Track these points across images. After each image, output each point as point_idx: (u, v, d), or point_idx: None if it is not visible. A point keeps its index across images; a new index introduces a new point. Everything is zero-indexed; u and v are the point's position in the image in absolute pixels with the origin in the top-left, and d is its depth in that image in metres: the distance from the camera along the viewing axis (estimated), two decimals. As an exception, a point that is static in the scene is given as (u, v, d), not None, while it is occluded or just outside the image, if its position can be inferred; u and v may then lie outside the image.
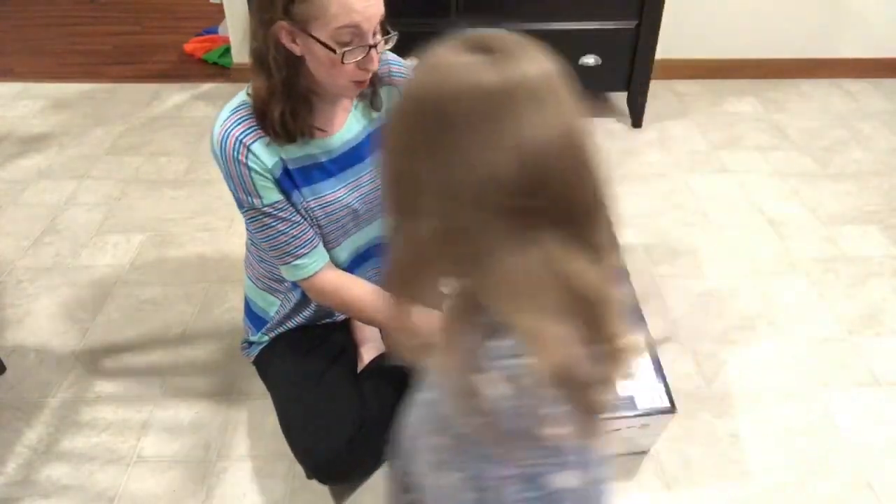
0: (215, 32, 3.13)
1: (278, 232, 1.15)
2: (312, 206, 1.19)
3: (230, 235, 1.94)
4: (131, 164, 2.27)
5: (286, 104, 1.08)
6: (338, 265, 1.31)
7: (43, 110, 2.60)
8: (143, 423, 1.41)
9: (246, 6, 2.21)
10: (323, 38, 1.01)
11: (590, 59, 2.32)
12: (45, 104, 2.64)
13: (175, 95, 2.72)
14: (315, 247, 1.19)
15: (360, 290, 1.22)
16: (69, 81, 2.81)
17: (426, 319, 0.67)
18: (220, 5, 2.70)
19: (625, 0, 2.26)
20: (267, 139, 1.10)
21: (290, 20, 1.01)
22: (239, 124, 1.09)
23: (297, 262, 1.17)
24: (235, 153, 1.09)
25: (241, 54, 2.76)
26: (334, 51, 1.01)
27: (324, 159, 1.18)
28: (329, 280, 1.21)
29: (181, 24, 3.39)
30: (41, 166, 2.26)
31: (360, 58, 1.04)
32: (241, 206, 1.14)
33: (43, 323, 1.65)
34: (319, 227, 1.23)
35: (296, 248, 1.16)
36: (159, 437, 1.38)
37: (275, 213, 1.14)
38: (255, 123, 1.10)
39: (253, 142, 1.09)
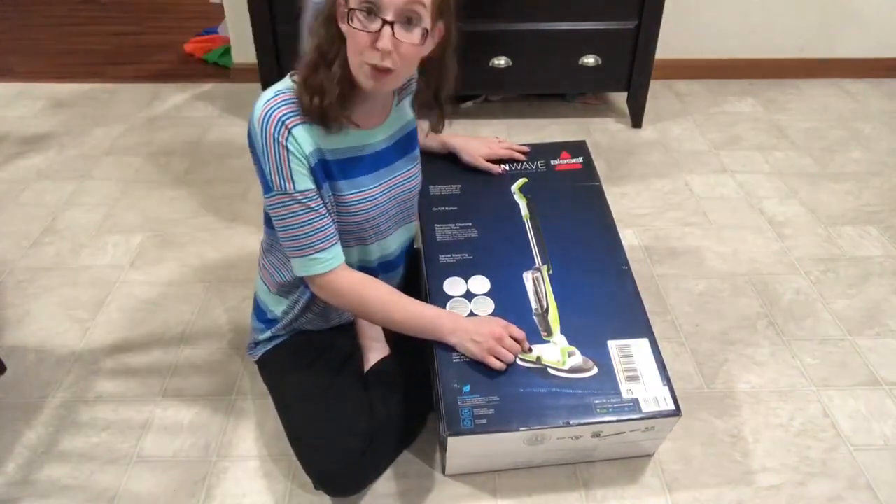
0: (215, 32, 3.13)
1: (304, 222, 1.13)
2: (349, 200, 1.18)
3: (230, 235, 1.94)
4: (131, 164, 2.27)
5: (329, 87, 1.09)
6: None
7: (43, 110, 2.60)
8: (143, 423, 1.41)
9: (246, 6, 2.21)
10: (352, 5, 1.04)
11: (590, 59, 2.32)
12: (44, 104, 2.64)
13: (175, 95, 2.72)
14: (335, 243, 1.17)
15: (377, 290, 1.21)
16: (69, 81, 2.82)
17: None
18: (220, 5, 2.70)
19: (625, 0, 2.26)
20: (308, 125, 1.11)
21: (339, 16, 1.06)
22: (283, 105, 1.10)
23: (317, 255, 1.15)
24: (276, 133, 1.09)
25: (241, 54, 2.76)
26: (346, 13, 1.04)
27: (365, 152, 1.19)
28: (346, 277, 1.18)
29: (181, 24, 3.39)
30: (41, 166, 2.26)
31: (368, 26, 1.03)
32: (269, 189, 1.13)
33: (43, 323, 1.65)
34: (340, 226, 1.21)
35: (318, 241, 1.14)
36: (159, 437, 1.38)
37: (305, 200, 1.12)
38: (297, 108, 1.10)
39: (295, 125, 1.10)
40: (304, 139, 1.11)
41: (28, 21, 3.44)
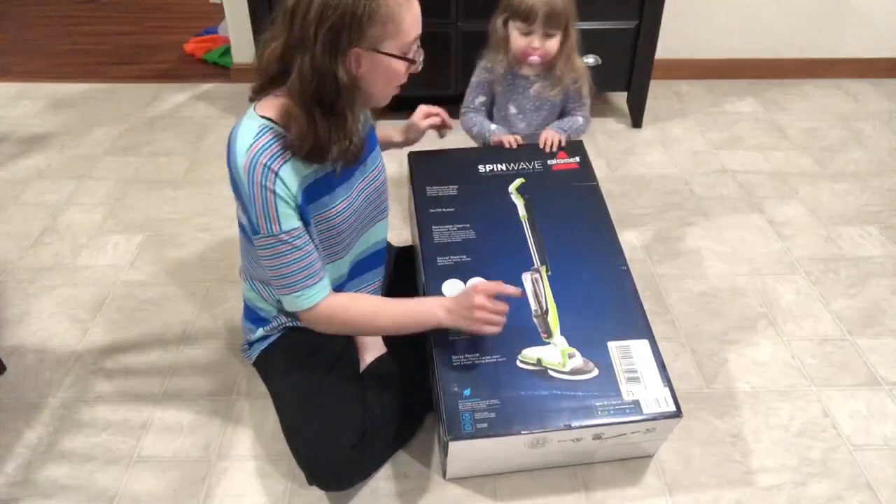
0: (215, 32, 3.13)
1: (291, 261, 1.15)
2: (331, 215, 1.22)
3: (230, 235, 1.94)
4: (131, 164, 2.27)
5: (335, 126, 1.12)
6: (340, 276, 1.34)
7: (43, 110, 2.60)
8: (143, 423, 1.41)
9: (246, 6, 2.20)
10: (396, 52, 1.11)
11: (590, 59, 2.31)
12: (45, 104, 2.64)
13: (175, 95, 2.72)
14: (322, 277, 1.19)
15: (360, 308, 1.23)
16: (69, 81, 2.82)
17: None
18: (220, 5, 2.70)
19: (625, 0, 2.26)
20: (293, 161, 1.12)
21: (363, 46, 1.07)
22: (266, 150, 1.10)
23: (303, 292, 1.17)
24: (264, 180, 1.10)
25: (241, 54, 2.76)
26: (411, 60, 1.14)
27: (334, 168, 1.20)
28: (330, 306, 1.20)
29: (181, 24, 3.39)
30: (41, 166, 2.26)
31: (419, 58, 1.16)
32: (256, 232, 1.14)
33: (43, 323, 1.65)
34: (328, 240, 1.24)
35: (304, 278, 1.17)
36: (159, 437, 1.38)
37: (291, 240, 1.14)
38: (280, 147, 1.11)
39: (281, 166, 1.11)
40: (291, 178, 1.13)
41: (28, 21, 3.44)
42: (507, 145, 1.55)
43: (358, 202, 1.28)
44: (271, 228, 1.13)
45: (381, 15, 1.06)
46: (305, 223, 1.18)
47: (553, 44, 1.50)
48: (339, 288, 1.36)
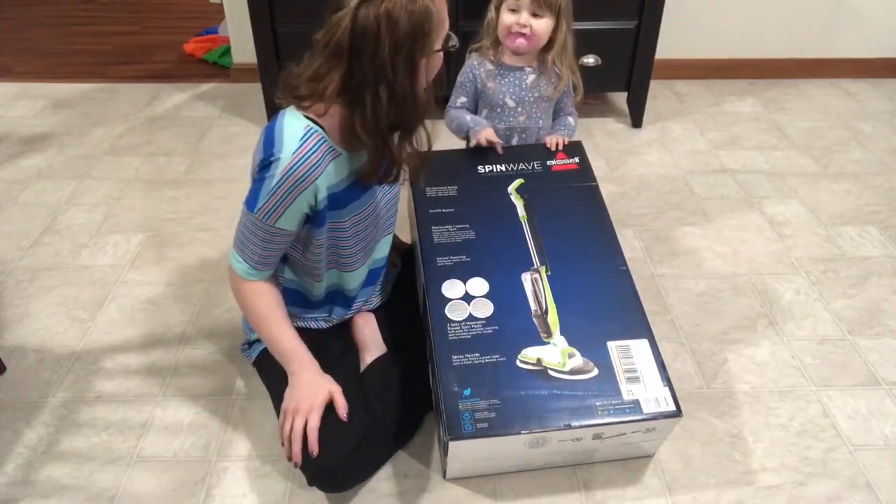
0: (215, 32, 3.14)
1: (261, 243, 1.19)
2: (356, 220, 1.25)
3: (230, 235, 1.93)
4: (131, 164, 2.27)
5: (409, 144, 1.17)
6: (355, 287, 1.38)
7: (43, 110, 2.60)
8: (143, 423, 1.41)
9: (246, 6, 2.20)
10: (439, 47, 1.14)
11: (590, 59, 2.31)
12: (44, 104, 2.64)
13: (175, 95, 2.72)
14: (268, 267, 1.23)
15: (262, 306, 1.25)
16: (69, 81, 2.82)
17: None
18: (220, 5, 2.70)
19: (625, 0, 2.26)
20: (330, 167, 1.15)
21: (426, 55, 1.10)
22: (309, 157, 1.12)
23: (248, 264, 1.21)
24: (295, 186, 1.12)
25: (241, 54, 2.76)
26: (451, 46, 1.16)
27: (353, 169, 1.21)
28: (252, 286, 1.24)
29: (181, 24, 3.39)
30: (41, 166, 2.26)
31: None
32: (252, 209, 1.14)
33: (43, 323, 1.65)
34: (350, 245, 1.28)
35: (259, 258, 1.21)
36: (159, 437, 1.38)
37: (274, 234, 1.17)
38: (321, 154, 1.13)
39: (319, 176, 1.13)
40: (322, 188, 1.16)
41: (28, 21, 3.44)
42: (485, 143, 1.53)
43: (378, 209, 1.30)
44: (268, 219, 1.15)
45: (436, 20, 1.08)
46: (317, 225, 1.20)
47: (541, 26, 1.48)
48: (349, 297, 1.39)
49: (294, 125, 1.12)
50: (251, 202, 1.15)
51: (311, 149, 1.11)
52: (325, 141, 1.14)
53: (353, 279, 1.36)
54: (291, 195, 1.12)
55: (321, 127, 1.14)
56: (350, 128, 1.11)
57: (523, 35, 1.48)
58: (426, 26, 1.06)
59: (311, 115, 1.14)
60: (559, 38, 1.52)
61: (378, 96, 1.07)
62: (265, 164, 1.12)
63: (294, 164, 1.10)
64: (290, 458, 1.19)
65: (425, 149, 1.19)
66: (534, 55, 1.56)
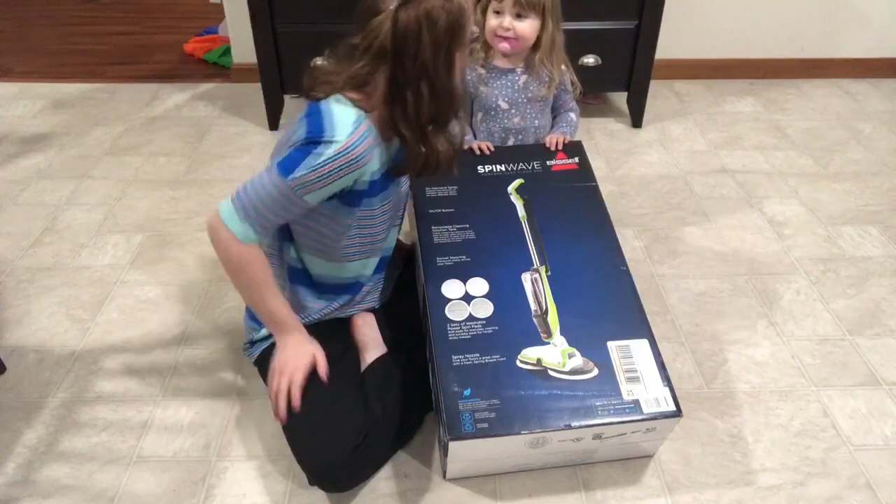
0: (215, 32, 3.13)
1: (279, 209, 1.16)
2: (383, 210, 1.29)
3: (230, 235, 1.94)
4: (131, 164, 2.27)
5: (445, 137, 1.22)
6: (369, 273, 1.40)
7: (43, 110, 2.60)
8: (143, 423, 1.41)
9: (246, 6, 2.20)
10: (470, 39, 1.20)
11: (590, 59, 2.32)
12: (45, 104, 2.64)
13: (175, 95, 2.72)
14: (268, 236, 1.23)
15: (256, 275, 1.22)
16: (69, 81, 2.82)
17: None
18: (220, 5, 2.70)
19: (625, 0, 2.26)
20: (376, 154, 1.19)
21: (462, 48, 1.16)
22: (361, 143, 1.14)
23: (252, 230, 1.16)
24: (347, 165, 1.13)
25: (241, 54, 2.76)
26: (475, 39, 1.24)
27: (389, 158, 1.27)
28: (244, 249, 1.19)
29: (181, 24, 3.39)
30: (41, 166, 2.26)
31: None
32: (287, 175, 1.12)
33: (43, 323, 1.65)
34: (377, 231, 1.31)
35: (266, 224, 1.17)
36: (159, 437, 1.38)
37: (294, 205, 1.15)
38: (371, 142, 1.16)
39: (367, 162, 1.16)
40: (367, 173, 1.19)
41: (28, 21, 3.44)
42: (479, 152, 1.54)
43: (399, 198, 1.36)
44: (300, 190, 1.13)
45: (468, 14, 1.14)
46: (349, 204, 1.22)
47: (525, 27, 1.47)
48: (361, 283, 1.40)
49: (346, 111, 1.15)
50: (287, 169, 1.13)
51: (362, 135, 1.14)
52: (373, 130, 1.18)
53: (369, 266, 1.38)
54: (335, 176, 1.13)
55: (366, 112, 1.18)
56: (391, 123, 1.17)
57: (507, 38, 1.48)
58: (462, 21, 1.12)
59: (359, 105, 1.17)
60: (545, 37, 1.50)
61: (420, 93, 1.12)
62: (313, 140, 1.13)
63: (347, 148, 1.12)
64: (276, 416, 1.23)
65: (459, 140, 1.25)
66: (524, 56, 1.55)
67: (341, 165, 1.13)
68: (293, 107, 2.59)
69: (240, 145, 2.38)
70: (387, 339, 1.42)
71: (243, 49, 2.71)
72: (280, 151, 1.18)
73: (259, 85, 2.37)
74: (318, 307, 1.39)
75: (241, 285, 1.25)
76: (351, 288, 1.40)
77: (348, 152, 1.12)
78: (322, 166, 1.12)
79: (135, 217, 2.02)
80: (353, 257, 1.33)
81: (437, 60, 1.11)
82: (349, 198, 1.22)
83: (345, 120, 1.14)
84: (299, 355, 1.24)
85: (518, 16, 1.46)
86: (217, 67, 2.94)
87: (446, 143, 1.21)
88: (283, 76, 2.33)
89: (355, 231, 1.29)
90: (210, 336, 1.62)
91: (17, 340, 1.61)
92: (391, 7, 1.08)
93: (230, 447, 1.36)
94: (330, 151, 1.11)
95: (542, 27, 1.49)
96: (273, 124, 2.46)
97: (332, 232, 1.27)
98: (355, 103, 1.16)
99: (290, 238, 1.32)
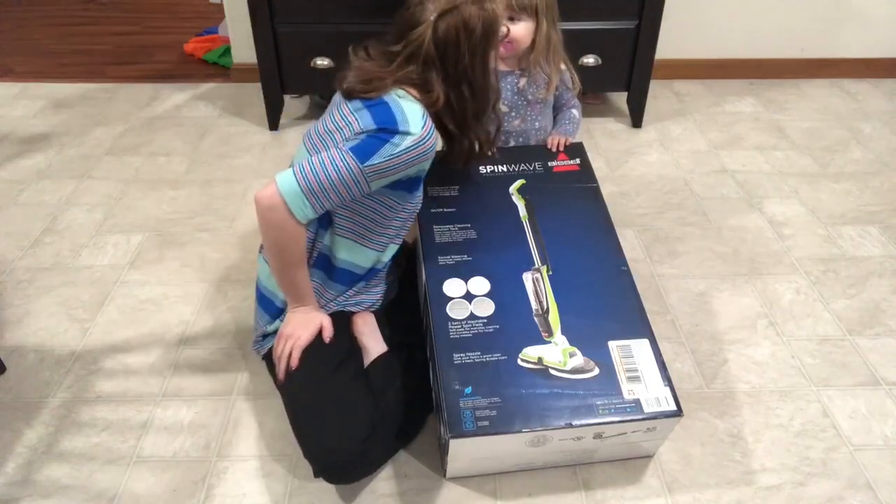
0: (215, 32, 3.13)
1: (345, 192, 1.20)
2: (421, 195, 1.37)
3: (230, 235, 1.94)
4: (131, 164, 2.27)
5: (483, 131, 1.38)
6: (387, 260, 1.42)
7: (43, 110, 2.60)
8: (143, 423, 1.41)
9: (246, 6, 2.20)
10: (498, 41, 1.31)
11: (590, 59, 2.32)
12: (45, 104, 2.64)
13: (175, 95, 2.72)
14: (317, 215, 1.23)
15: (296, 246, 1.26)
16: (69, 81, 2.82)
17: None
18: (220, 5, 2.70)
19: (625, 0, 2.26)
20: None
21: (496, 48, 1.29)
22: (432, 135, 1.23)
23: (313, 211, 1.20)
24: (419, 156, 1.21)
25: (241, 54, 2.76)
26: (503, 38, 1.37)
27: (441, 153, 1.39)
28: (301, 232, 1.24)
29: (181, 24, 3.39)
30: (41, 166, 2.26)
31: None
32: (364, 162, 1.17)
33: (43, 323, 1.65)
34: (410, 217, 1.38)
35: (328, 206, 1.21)
36: (159, 437, 1.38)
37: (359, 190, 1.21)
38: (436, 133, 1.26)
39: (433, 155, 1.26)
40: (429, 163, 1.29)
41: (28, 21, 3.44)
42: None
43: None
44: (372, 176, 1.19)
45: (500, 19, 1.26)
46: (409, 190, 1.31)
47: (519, 29, 1.47)
48: (370, 272, 1.40)
49: (413, 106, 1.22)
50: (364, 155, 1.17)
51: (430, 129, 1.22)
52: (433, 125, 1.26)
53: (389, 252, 1.41)
54: (406, 165, 1.20)
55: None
56: (437, 122, 1.27)
57: (501, 42, 1.47)
58: (495, 27, 1.24)
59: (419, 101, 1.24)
60: (540, 38, 1.50)
61: (462, 94, 1.25)
62: (390, 130, 1.18)
63: (423, 139, 1.20)
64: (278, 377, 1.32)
65: (495, 126, 1.43)
66: (522, 58, 1.55)
67: (416, 156, 1.20)
68: (293, 107, 2.59)
69: (240, 145, 2.38)
70: (387, 338, 1.42)
71: (243, 49, 2.71)
72: (329, 138, 1.25)
73: (259, 85, 2.37)
74: (331, 296, 1.40)
75: (280, 259, 1.28)
76: (367, 275, 1.41)
77: (423, 143, 1.20)
78: (399, 155, 1.18)
79: (135, 217, 2.02)
80: (384, 244, 1.37)
81: (474, 64, 1.22)
82: (408, 184, 1.30)
83: (415, 113, 1.21)
84: (307, 321, 1.32)
85: (510, 18, 1.45)
86: (217, 67, 2.94)
87: (484, 132, 1.36)
88: (283, 76, 2.32)
89: (400, 216, 1.35)
90: (210, 336, 1.62)
91: (17, 340, 1.60)
92: (431, 18, 1.18)
93: (230, 447, 1.36)
94: (407, 142, 1.18)
95: (537, 28, 1.48)
96: (273, 124, 2.46)
97: (378, 216, 1.32)
98: (416, 100, 1.23)
99: (326, 225, 1.33)
